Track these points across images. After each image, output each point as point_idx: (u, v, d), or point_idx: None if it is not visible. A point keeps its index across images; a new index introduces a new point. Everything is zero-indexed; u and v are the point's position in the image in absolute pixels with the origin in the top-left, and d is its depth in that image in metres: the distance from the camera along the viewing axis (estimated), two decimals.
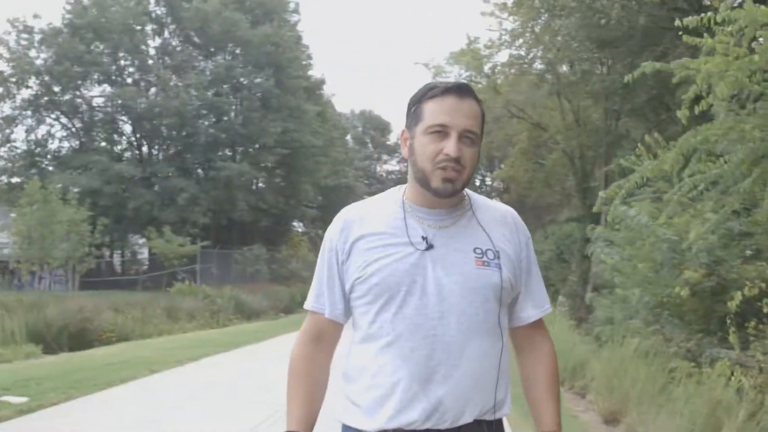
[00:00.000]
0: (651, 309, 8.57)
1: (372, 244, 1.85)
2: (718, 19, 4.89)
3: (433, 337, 1.77)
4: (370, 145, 66.13)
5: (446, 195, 1.82)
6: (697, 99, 5.62)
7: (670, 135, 7.83)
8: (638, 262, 8.84)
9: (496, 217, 1.94)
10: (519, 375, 1.99)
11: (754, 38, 5.14)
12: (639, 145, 8.07)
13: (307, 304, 1.98)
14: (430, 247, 1.82)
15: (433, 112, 1.81)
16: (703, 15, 5.02)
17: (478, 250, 1.84)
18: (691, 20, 5.14)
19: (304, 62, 39.11)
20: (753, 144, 5.27)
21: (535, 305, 1.97)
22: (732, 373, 5.83)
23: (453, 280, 1.79)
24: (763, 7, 4.74)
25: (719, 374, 5.87)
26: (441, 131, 1.79)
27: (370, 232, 1.87)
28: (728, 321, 6.15)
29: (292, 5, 40.27)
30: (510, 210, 2.00)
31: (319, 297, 1.96)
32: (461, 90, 1.82)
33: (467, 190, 1.94)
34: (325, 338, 1.97)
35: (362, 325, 1.87)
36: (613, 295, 10.64)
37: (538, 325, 2.00)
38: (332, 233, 1.94)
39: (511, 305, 1.95)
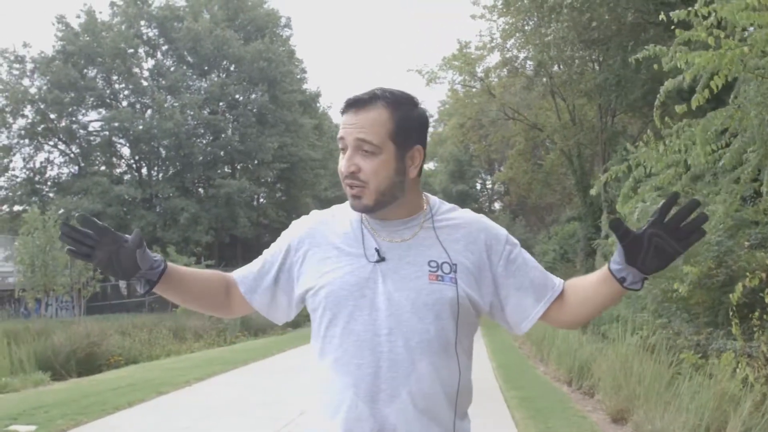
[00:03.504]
0: (659, 302, 8.55)
1: (327, 254, 1.78)
2: (703, 12, 4.89)
3: (380, 354, 1.67)
4: None
5: (360, 211, 1.76)
6: (691, 91, 5.64)
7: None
8: None
9: (457, 227, 1.81)
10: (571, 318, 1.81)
11: (743, 29, 5.16)
12: (644, 136, 8.14)
13: (236, 272, 1.94)
14: (381, 259, 1.73)
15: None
16: (689, 9, 5.03)
17: (432, 263, 1.73)
18: (678, 13, 5.15)
19: (298, 76, 39.31)
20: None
21: (538, 298, 1.80)
22: (738, 365, 5.81)
23: (404, 295, 1.69)
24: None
25: (725, 366, 5.84)
26: (343, 148, 1.74)
27: (327, 242, 1.80)
28: (731, 312, 6.15)
29: (283, 20, 40.54)
30: (477, 217, 1.86)
31: (245, 269, 1.93)
32: (356, 104, 1.73)
33: (434, 199, 1.87)
34: (233, 293, 1.92)
35: (316, 338, 1.79)
36: None
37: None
38: (297, 229, 1.89)
39: (512, 312, 1.81)
